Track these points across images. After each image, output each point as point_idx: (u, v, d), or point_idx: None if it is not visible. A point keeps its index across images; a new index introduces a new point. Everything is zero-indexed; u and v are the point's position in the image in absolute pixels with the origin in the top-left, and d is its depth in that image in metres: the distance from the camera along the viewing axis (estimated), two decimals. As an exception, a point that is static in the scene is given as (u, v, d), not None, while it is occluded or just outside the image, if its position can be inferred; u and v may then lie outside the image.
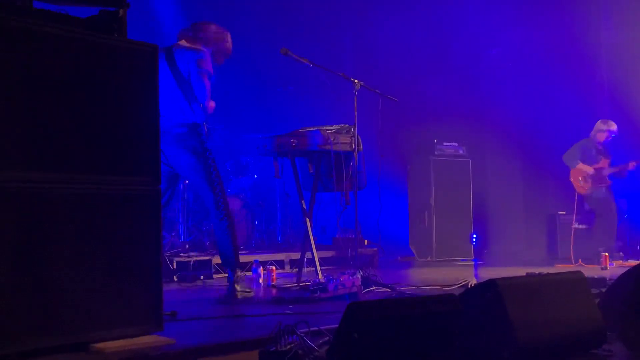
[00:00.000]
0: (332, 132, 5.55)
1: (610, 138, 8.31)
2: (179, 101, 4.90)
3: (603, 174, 8.25)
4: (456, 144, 9.08)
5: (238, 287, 4.95)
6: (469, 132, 9.35)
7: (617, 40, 9.55)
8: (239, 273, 5.01)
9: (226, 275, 5.12)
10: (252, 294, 5.03)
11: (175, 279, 6.33)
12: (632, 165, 8.10)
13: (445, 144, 9.00)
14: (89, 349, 2.95)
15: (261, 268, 5.97)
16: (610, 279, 5.05)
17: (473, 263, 8.45)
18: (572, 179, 8.42)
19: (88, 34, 3.09)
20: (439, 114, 9.43)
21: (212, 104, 5.05)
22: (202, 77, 4.90)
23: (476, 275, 6.55)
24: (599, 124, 8.32)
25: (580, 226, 8.43)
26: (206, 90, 4.92)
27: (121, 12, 3.23)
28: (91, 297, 2.97)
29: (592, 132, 8.36)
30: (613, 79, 9.52)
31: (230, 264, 4.99)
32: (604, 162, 8.28)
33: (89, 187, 3.02)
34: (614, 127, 8.30)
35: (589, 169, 8.27)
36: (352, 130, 5.59)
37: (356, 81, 5.53)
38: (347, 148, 5.58)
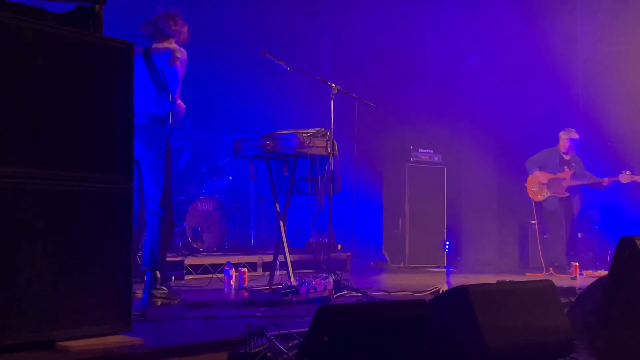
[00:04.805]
0: (308, 136, 5.54)
1: (571, 145, 8.20)
2: (148, 91, 4.76)
3: (562, 185, 8.13)
4: (431, 151, 9.13)
5: (156, 293, 4.62)
6: (445, 139, 9.41)
7: (593, 53, 9.66)
8: (158, 276, 4.66)
9: (197, 277, 5.00)
10: (176, 301, 4.69)
11: (147, 279, 6.27)
12: (606, 181, 7.96)
13: (420, 150, 9.04)
14: (55, 347, 2.90)
15: (233, 270, 5.93)
16: (579, 289, 5.10)
17: (445, 270, 8.49)
18: (526, 185, 8.38)
19: (63, 29, 3.05)
20: (415, 120, 9.48)
21: (182, 104, 4.89)
22: (174, 65, 4.76)
23: (448, 282, 6.57)
24: (561, 134, 8.26)
25: (544, 235, 8.41)
26: (178, 76, 4.78)
27: (97, 8, 3.20)
28: (58, 294, 2.92)
29: (559, 142, 8.35)
30: (588, 92, 9.62)
31: (151, 264, 4.66)
32: (566, 173, 8.15)
33: (59, 183, 2.97)
34: (574, 135, 8.19)
35: (545, 178, 8.21)
36: (328, 134, 5.59)
37: (333, 85, 5.54)
38: (323, 152, 5.58)
